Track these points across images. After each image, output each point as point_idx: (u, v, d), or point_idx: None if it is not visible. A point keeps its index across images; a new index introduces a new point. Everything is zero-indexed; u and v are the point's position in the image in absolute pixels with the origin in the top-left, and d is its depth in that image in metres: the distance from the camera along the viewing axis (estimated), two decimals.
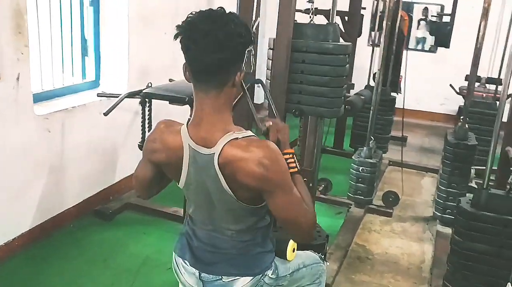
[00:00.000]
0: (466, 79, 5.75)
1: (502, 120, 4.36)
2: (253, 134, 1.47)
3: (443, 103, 6.65)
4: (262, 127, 1.60)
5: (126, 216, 3.33)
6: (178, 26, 1.41)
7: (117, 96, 2.90)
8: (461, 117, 3.32)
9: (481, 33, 3.16)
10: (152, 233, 3.14)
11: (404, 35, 4.72)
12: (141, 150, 2.99)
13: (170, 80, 3.47)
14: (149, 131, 3.01)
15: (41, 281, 2.58)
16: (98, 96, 3.05)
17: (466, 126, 3.21)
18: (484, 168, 3.91)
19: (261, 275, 1.59)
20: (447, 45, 5.13)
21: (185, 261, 1.64)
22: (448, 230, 3.29)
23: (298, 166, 1.54)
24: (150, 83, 2.98)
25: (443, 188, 3.25)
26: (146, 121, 2.99)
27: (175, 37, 1.40)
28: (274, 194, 1.41)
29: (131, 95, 2.88)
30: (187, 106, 3.00)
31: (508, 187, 2.06)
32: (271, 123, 1.60)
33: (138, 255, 2.87)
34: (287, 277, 1.70)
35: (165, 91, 2.86)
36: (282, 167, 1.42)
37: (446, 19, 5.32)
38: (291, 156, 1.54)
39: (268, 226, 1.63)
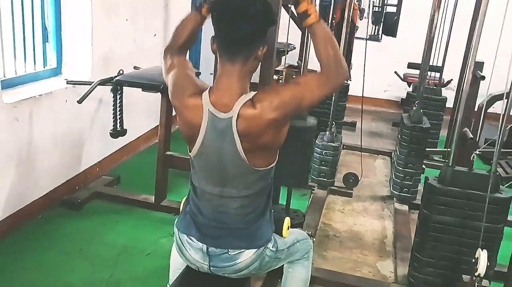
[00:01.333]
0: (409, 67, 6.17)
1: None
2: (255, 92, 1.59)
3: (387, 90, 7.00)
4: None
5: (95, 205, 3.30)
6: (211, 2, 1.58)
7: (87, 84, 2.86)
8: (415, 102, 3.55)
9: (434, 24, 3.39)
10: (125, 221, 3.14)
11: (354, 25, 4.94)
12: (113, 138, 3.02)
13: (135, 67, 3.46)
14: (120, 119, 3.00)
15: (17, 275, 2.51)
16: (67, 83, 2.99)
17: (421, 111, 3.46)
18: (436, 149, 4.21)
19: (263, 247, 1.70)
20: (394, 35, 5.42)
21: (191, 237, 1.71)
22: (405, 207, 3.56)
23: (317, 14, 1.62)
24: (122, 70, 2.97)
25: (400, 168, 3.48)
26: (118, 109, 2.97)
27: (208, 11, 1.57)
28: (301, 107, 1.59)
29: (103, 82, 2.85)
30: (157, 95, 3.02)
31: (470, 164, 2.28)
32: None
33: (113, 243, 2.87)
34: (285, 250, 1.82)
35: (138, 79, 2.87)
36: (281, 87, 1.66)
37: (389, 9, 5.63)
38: (309, 3, 1.62)
39: (269, 193, 1.74)
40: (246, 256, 1.68)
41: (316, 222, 3.22)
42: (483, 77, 3.41)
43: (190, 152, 1.65)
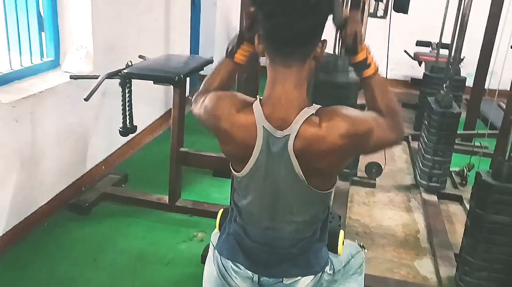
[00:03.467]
0: (417, 45, 5.92)
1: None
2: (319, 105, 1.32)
3: (393, 69, 6.75)
4: (339, 19, 1.39)
5: (104, 208, 3.05)
6: None
7: (92, 78, 2.59)
8: (443, 85, 3.31)
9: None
10: (138, 225, 2.90)
11: (364, 2, 4.67)
12: (123, 136, 2.76)
13: (141, 56, 3.17)
14: (130, 115, 2.73)
15: None
16: (71, 78, 2.70)
17: (451, 95, 3.22)
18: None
19: (321, 272, 1.47)
20: (405, 11, 5.14)
21: (237, 264, 1.47)
22: (433, 198, 3.35)
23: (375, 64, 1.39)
24: (130, 61, 2.69)
25: (429, 157, 3.27)
26: (127, 104, 2.70)
27: (254, 2, 1.23)
28: (365, 146, 1.31)
29: (111, 75, 2.57)
30: (167, 88, 2.76)
31: None
32: (348, 14, 1.42)
33: (129, 250, 2.64)
34: (341, 271, 1.60)
35: (149, 71, 2.59)
36: (361, 119, 1.29)
37: None
38: (368, 52, 1.39)
39: (327, 218, 1.50)
40: (303, 284, 1.45)
41: (344, 218, 3.00)
42: None
43: (236, 171, 1.38)
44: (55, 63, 3.11)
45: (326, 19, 1.25)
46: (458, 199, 3.40)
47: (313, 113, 1.26)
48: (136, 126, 2.82)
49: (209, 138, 1.73)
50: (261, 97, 1.32)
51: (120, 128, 2.72)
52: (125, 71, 2.58)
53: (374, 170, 3.56)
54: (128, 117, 2.70)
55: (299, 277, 1.44)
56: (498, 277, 2.16)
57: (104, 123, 3.32)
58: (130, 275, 2.44)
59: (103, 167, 3.41)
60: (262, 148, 1.29)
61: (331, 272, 1.52)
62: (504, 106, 2.82)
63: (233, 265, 1.48)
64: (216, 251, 1.55)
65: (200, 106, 1.43)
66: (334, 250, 1.57)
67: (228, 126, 1.31)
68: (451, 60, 3.47)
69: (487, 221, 2.11)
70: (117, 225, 2.87)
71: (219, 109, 1.33)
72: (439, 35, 4.75)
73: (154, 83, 2.64)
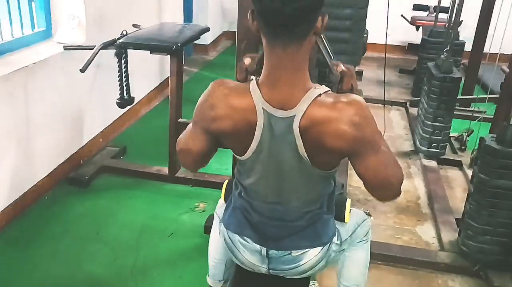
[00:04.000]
0: (414, 9, 5.82)
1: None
2: (329, 89, 1.28)
3: (390, 34, 6.65)
4: (335, 74, 1.40)
5: (104, 181, 3.02)
6: None
7: (87, 49, 2.52)
8: (443, 49, 3.26)
9: None
10: (139, 197, 2.88)
11: None
12: (121, 107, 2.71)
13: (135, 25, 3.08)
14: (127, 86, 2.68)
15: (32, 266, 2.27)
16: (65, 49, 2.62)
17: (451, 59, 3.18)
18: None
19: (329, 243, 1.47)
20: None
21: (245, 237, 1.46)
22: (433, 163, 3.35)
23: None
24: (125, 30, 2.61)
25: (429, 122, 3.25)
26: (123, 75, 2.64)
27: None
28: (365, 156, 1.23)
29: (106, 45, 2.50)
30: (162, 57, 2.68)
31: None
32: (343, 68, 1.41)
33: (131, 224, 2.62)
34: (348, 240, 1.60)
35: (145, 40, 2.52)
36: (374, 123, 1.24)
37: None
38: (355, 78, 1.41)
39: (333, 191, 1.48)
40: (311, 256, 1.44)
41: (345, 186, 3.00)
42: None
43: (239, 154, 1.33)
44: (47, 34, 3.01)
45: None
46: (458, 164, 3.41)
47: (320, 94, 1.21)
48: (134, 97, 2.77)
49: None
50: (257, 78, 1.26)
51: (117, 99, 2.67)
52: (120, 41, 2.51)
53: None
54: (125, 88, 2.64)
55: (307, 249, 1.43)
56: (500, 241, 2.18)
57: (100, 95, 3.26)
58: (133, 248, 2.43)
59: (100, 140, 3.36)
60: (264, 129, 1.24)
61: (338, 242, 1.52)
62: (507, 70, 2.77)
63: (240, 239, 1.47)
64: (222, 225, 1.54)
65: (187, 129, 1.39)
66: (341, 219, 1.56)
67: (226, 112, 1.25)
68: (452, 24, 3.40)
69: (491, 186, 2.11)
70: (117, 197, 2.85)
71: (212, 98, 1.28)
72: None
73: (150, 53, 2.57)
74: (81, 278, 2.22)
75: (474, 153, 3.29)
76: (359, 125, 1.19)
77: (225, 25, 6.50)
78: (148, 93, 4.17)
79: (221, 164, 3.30)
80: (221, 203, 1.72)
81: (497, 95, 3.55)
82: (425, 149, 3.34)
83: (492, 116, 3.31)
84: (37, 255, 2.34)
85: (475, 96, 3.84)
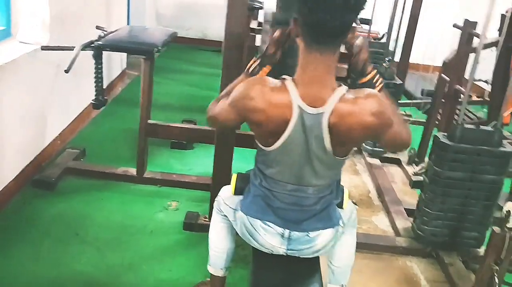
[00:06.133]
0: None
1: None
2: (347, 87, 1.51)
3: None
4: (355, 48, 1.61)
5: (70, 183, 3.00)
6: None
7: (64, 49, 2.52)
8: (386, 59, 3.65)
9: None
10: (110, 198, 2.90)
11: None
12: (95, 109, 2.74)
13: (98, 27, 3.10)
14: (101, 86, 2.70)
15: (16, 272, 2.23)
16: (42, 49, 2.59)
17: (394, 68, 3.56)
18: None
19: (337, 225, 1.68)
20: None
21: (266, 222, 1.63)
22: (377, 161, 3.71)
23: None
24: (103, 32, 2.64)
25: None
26: (99, 76, 2.67)
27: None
28: (385, 133, 1.49)
29: (86, 46, 2.52)
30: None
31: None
32: (358, 42, 1.62)
33: (108, 223, 2.65)
34: (347, 223, 1.82)
35: (126, 43, 2.58)
36: (389, 106, 1.49)
37: None
38: (375, 73, 1.65)
39: (340, 179, 1.71)
40: (324, 236, 1.65)
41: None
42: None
43: (266, 146, 1.52)
44: (6, 33, 2.93)
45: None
46: (397, 162, 3.80)
47: (344, 93, 1.43)
48: (107, 99, 2.80)
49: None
50: (292, 78, 1.46)
51: (93, 101, 2.69)
52: (100, 42, 2.54)
53: None
54: (100, 89, 2.67)
55: (321, 231, 1.64)
56: (450, 224, 2.53)
57: (59, 97, 3.22)
58: (117, 247, 2.47)
59: (58, 142, 3.31)
60: (297, 124, 1.43)
61: (342, 224, 1.74)
62: (447, 78, 3.17)
63: (262, 224, 1.63)
64: (240, 212, 1.69)
65: (223, 103, 1.56)
66: (340, 206, 1.79)
67: (264, 106, 1.43)
68: (389, 36, 3.81)
69: (444, 177, 2.45)
70: (88, 199, 2.85)
71: (252, 91, 1.45)
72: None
73: (129, 55, 2.63)
74: (72, 278, 2.23)
75: (412, 151, 3.71)
76: (379, 113, 1.43)
77: None
78: None
79: (183, 165, 3.42)
80: (228, 195, 1.87)
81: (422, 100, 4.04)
82: (370, 148, 3.70)
83: (422, 120, 3.76)
84: (19, 260, 2.30)
85: (420, 101, 4.26)
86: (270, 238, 1.64)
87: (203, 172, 3.26)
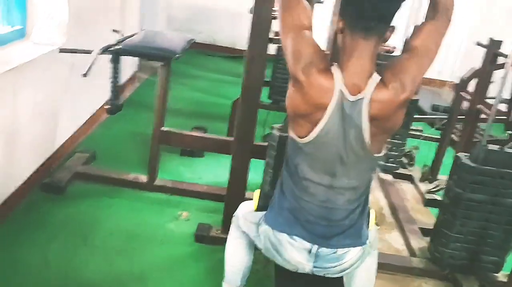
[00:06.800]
0: None
1: None
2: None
3: None
4: None
5: (80, 188, 2.93)
6: None
7: (84, 53, 2.47)
8: None
9: None
10: (119, 205, 2.83)
11: None
12: (110, 114, 2.69)
13: (115, 30, 3.06)
14: (117, 91, 2.65)
15: (24, 276, 2.16)
16: (60, 52, 2.54)
17: None
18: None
19: (366, 244, 1.63)
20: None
21: (293, 236, 1.57)
22: (389, 177, 3.65)
23: None
24: (122, 34, 2.59)
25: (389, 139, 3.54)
26: (116, 81, 2.62)
27: None
28: (425, 71, 1.50)
29: (105, 50, 2.47)
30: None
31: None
32: None
33: (118, 230, 2.59)
34: (372, 244, 1.76)
35: (146, 48, 2.53)
36: (409, 65, 1.46)
37: None
38: None
39: (369, 193, 1.66)
40: (352, 254, 1.59)
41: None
42: None
43: (301, 137, 1.48)
44: (21, 33, 2.88)
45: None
46: (409, 178, 3.74)
47: (381, 79, 1.42)
48: (122, 104, 2.74)
49: None
50: (336, 63, 1.45)
51: (108, 106, 2.63)
52: (119, 47, 2.49)
53: None
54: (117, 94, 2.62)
55: (350, 248, 1.58)
56: (469, 247, 2.47)
57: (71, 99, 3.16)
58: (126, 255, 2.40)
59: (69, 144, 3.25)
60: (335, 110, 1.41)
61: (369, 243, 1.68)
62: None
63: (289, 238, 1.57)
64: (265, 225, 1.63)
65: (285, 22, 1.49)
66: (366, 226, 1.73)
67: (306, 82, 1.42)
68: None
69: (465, 199, 2.39)
70: (97, 205, 2.79)
71: (301, 60, 1.43)
72: None
73: (147, 60, 2.58)
74: (79, 284, 2.17)
75: (425, 168, 3.66)
76: (408, 82, 1.43)
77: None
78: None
79: (193, 173, 3.36)
80: (249, 211, 1.82)
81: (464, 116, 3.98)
82: (383, 163, 3.63)
83: (435, 136, 3.71)
84: (27, 263, 2.24)
85: (434, 117, 4.20)
86: (296, 253, 1.58)
87: (213, 181, 3.20)
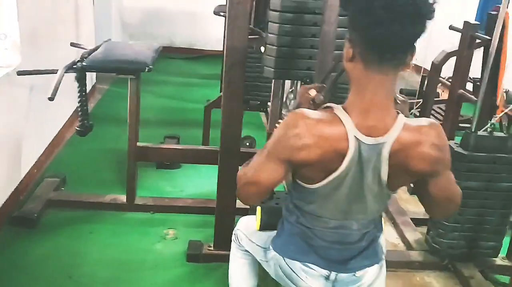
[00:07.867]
0: None
1: None
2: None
3: None
4: None
5: (54, 217, 2.72)
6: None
7: (47, 73, 2.27)
8: None
9: None
10: (100, 231, 2.65)
11: None
12: (80, 136, 2.49)
13: (72, 44, 2.86)
14: (86, 111, 2.47)
15: None
16: (18, 75, 2.32)
17: None
18: None
19: (382, 259, 1.54)
20: None
21: (308, 263, 1.46)
22: None
23: None
24: (84, 48, 2.40)
25: None
26: (83, 100, 2.42)
27: (359, 12, 1.16)
28: (440, 175, 1.34)
29: (70, 68, 2.27)
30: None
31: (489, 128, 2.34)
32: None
33: (104, 260, 2.41)
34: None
35: (113, 62, 2.35)
36: (448, 144, 1.35)
37: None
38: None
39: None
40: (370, 273, 1.50)
41: None
42: None
43: (313, 182, 1.33)
44: None
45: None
46: None
47: (405, 120, 1.27)
48: (92, 124, 2.55)
49: None
50: (342, 106, 1.28)
51: (78, 127, 2.44)
52: (83, 63, 2.30)
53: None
54: (85, 114, 2.42)
55: (367, 268, 1.48)
56: (467, 235, 2.45)
57: (34, 122, 2.94)
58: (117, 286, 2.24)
59: (35, 171, 3.03)
60: (353, 157, 1.26)
61: (384, 257, 1.59)
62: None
63: (302, 266, 1.46)
64: (274, 252, 1.52)
65: (259, 159, 1.34)
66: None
67: (313, 141, 1.24)
68: None
69: (460, 187, 2.34)
70: (77, 234, 2.59)
71: (299, 128, 1.25)
72: None
73: (116, 75, 2.40)
74: None
75: None
76: (440, 147, 1.29)
77: (126, 38, 6.26)
78: (71, 114, 3.84)
79: (174, 187, 3.21)
80: (252, 230, 1.70)
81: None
82: None
83: None
84: None
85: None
86: (312, 281, 1.47)
87: (196, 193, 3.06)
